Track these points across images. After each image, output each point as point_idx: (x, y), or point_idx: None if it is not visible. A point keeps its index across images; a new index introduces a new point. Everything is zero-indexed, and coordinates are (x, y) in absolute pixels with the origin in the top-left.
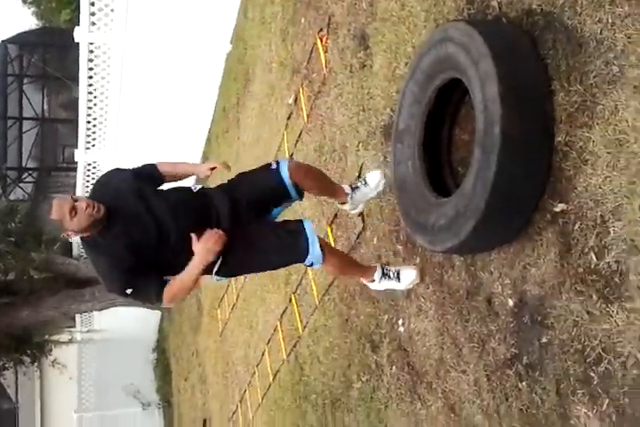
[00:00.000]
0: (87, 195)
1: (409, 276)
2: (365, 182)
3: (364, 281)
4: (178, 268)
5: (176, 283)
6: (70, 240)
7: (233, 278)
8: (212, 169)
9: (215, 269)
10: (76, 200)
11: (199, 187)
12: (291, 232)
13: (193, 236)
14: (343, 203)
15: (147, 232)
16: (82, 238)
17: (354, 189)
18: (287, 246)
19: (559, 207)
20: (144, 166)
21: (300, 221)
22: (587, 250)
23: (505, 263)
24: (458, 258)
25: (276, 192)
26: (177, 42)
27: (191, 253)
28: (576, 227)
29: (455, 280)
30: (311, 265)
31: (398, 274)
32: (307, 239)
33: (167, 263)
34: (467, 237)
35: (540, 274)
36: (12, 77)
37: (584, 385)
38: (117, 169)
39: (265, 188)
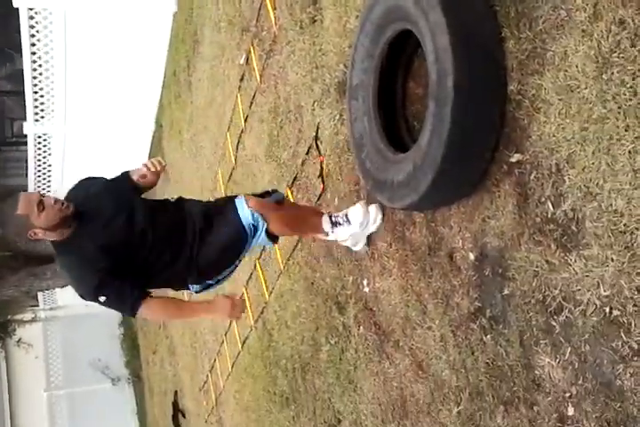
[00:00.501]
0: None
1: (356, 212)
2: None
3: (320, 237)
4: (159, 271)
5: (166, 305)
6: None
7: None
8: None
9: (197, 288)
10: (43, 196)
11: (176, 197)
12: (225, 213)
13: (220, 297)
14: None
15: (121, 231)
16: (52, 242)
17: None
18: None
19: (515, 158)
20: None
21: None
22: (543, 199)
23: (464, 217)
24: (418, 215)
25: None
26: (120, 3)
27: (173, 253)
28: (532, 177)
29: (417, 237)
30: (256, 231)
31: (347, 217)
32: (235, 208)
33: (147, 266)
34: (425, 192)
35: (499, 226)
36: None
37: (546, 335)
38: (90, 177)
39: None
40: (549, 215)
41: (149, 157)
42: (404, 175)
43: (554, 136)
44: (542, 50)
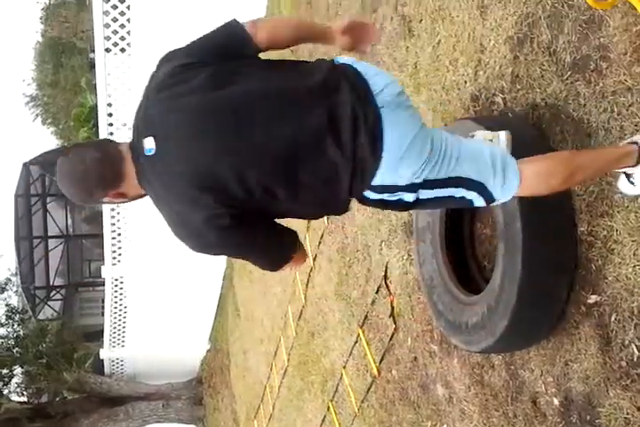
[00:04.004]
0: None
1: None
2: None
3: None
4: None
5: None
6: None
7: (267, 384)
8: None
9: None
10: None
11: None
12: None
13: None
14: None
15: None
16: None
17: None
18: None
19: (592, 299)
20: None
21: None
22: (627, 342)
23: (545, 360)
24: (496, 357)
25: None
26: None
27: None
28: (612, 318)
29: (496, 380)
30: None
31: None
32: None
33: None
34: (502, 335)
35: (583, 370)
36: (36, 197)
37: None
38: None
39: None
40: (635, 359)
41: (219, 301)
42: (478, 318)
43: (631, 278)
44: (610, 192)
